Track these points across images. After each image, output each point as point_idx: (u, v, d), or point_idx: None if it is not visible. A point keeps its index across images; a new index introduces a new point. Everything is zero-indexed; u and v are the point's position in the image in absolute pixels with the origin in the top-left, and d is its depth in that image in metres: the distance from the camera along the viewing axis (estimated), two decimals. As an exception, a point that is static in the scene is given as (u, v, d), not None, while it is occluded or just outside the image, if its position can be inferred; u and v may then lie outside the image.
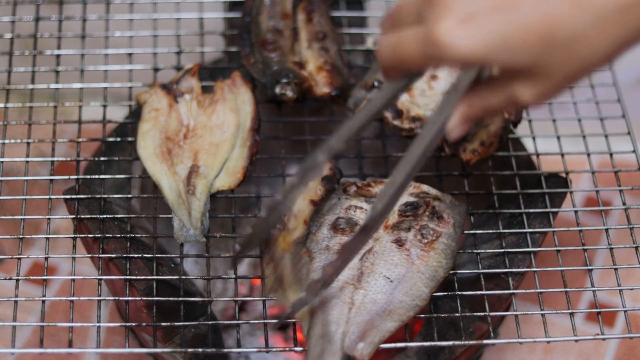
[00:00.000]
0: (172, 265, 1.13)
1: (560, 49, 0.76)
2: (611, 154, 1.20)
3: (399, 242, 1.03)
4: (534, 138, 1.21)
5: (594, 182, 1.18)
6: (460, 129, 0.87)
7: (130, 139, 1.19)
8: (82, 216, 1.10)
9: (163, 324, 1.02)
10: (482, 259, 1.11)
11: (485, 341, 1.06)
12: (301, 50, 1.23)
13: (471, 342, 1.07)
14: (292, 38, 1.24)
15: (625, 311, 1.05)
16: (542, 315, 1.04)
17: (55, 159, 1.15)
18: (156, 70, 1.26)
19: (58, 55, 1.25)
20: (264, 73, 1.19)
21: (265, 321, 1.02)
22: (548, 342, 1.02)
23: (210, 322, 1.04)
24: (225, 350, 1.02)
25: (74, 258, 1.07)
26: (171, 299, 1.05)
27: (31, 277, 1.07)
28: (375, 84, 1.20)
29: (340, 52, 1.24)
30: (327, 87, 1.19)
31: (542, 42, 0.76)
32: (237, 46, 1.26)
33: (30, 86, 1.22)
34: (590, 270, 1.09)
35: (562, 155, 1.20)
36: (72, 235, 1.09)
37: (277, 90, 1.17)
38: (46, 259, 1.06)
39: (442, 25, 0.76)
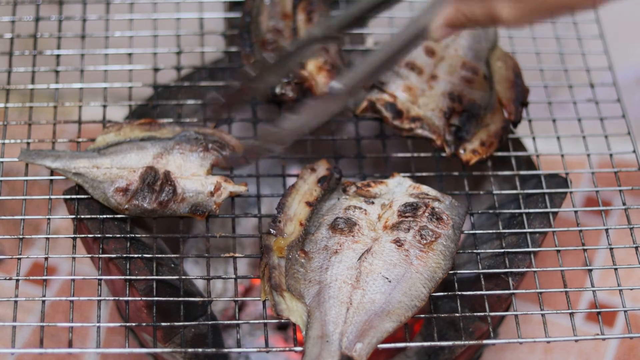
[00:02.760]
0: (172, 265, 1.13)
1: None
2: (611, 154, 1.20)
3: (398, 243, 1.03)
4: (534, 138, 1.21)
5: (594, 182, 1.18)
6: (443, 30, 0.94)
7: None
8: (82, 216, 1.10)
9: (163, 324, 1.02)
10: (482, 259, 1.11)
11: (485, 341, 1.06)
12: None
13: (471, 342, 1.07)
14: (292, 38, 1.24)
15: (625, 311, 1.05)
16: (542, 315, 1.04)
17: (55, 159, 1.15)
18: (156, 70, 1.26)
19: (58, 55, 1.25)
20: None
21: (265, 321, 1.03)
22: (548, 342, 1.02)
23: (210, 322, 1.04)
24: (225, 350, 1.02)
25: (74, 258, 1.07)
26: (171, 299, 1.05)
27: (31, 277, 1.07)
28: (376, 84, 1.20)
29: (340, 52, 1.24)
30: (327, 87, 1.19)
31: None
32: (237, 46, 1.26)
33: (30, 86, 1.22)
34: (590, 270, 1.09)
35: (562, 155, 1.20)
36: (72, 235, 1.09)
37: (278, 90, 1.17)
38: (46, 259, 1.06)
39: None
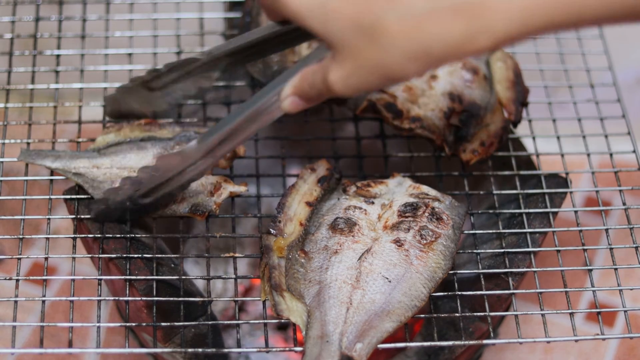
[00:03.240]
0: (172, 265, 1.13)
1: (363, 33, 0.78)
2: (611, 154, 1.20)
3: (398, 243, 1.03)
4: (534, 138, 1.21)
5: (594, 182, 1.18)
6: (291, 102, 0.88)
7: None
8: (82, 216, 1.10)
9: (163, 324, 1.02)
10: (482, 259, 1.11)
11: (485, 341, 1.05)
12: (302, 50, 1.23)
13: (471, 342, 1.07)
14: None
15: (625, 311, 1.05)
16: (542, 315, 1.04)
17: (55, 159, 1.15)
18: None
19: (58, 55, 1.25)
20: (264, 73, 1.19)
21: (265, 321, 1.03)
22: (548, 342, 1.02)
23: (210, 322, 1.04)
24: (225, 350, 1.02)
25: (74, 258, 1.07)
26: (171, 299, 1.05)
27: (31, 277, 1.07)
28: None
29: None
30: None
31: (350, 20, 0.78)
32: None
33: (30, 86, 1.22)
34: (590, 270, 1.09)
35: (562, 155, 1.20)
36: (72, 235, 1.09)
37: None
38: (46, 259, 1.06)
39: None
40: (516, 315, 1.05)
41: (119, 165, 1.09)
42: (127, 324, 1.02)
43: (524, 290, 1.09)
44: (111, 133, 1.13)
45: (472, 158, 1.15)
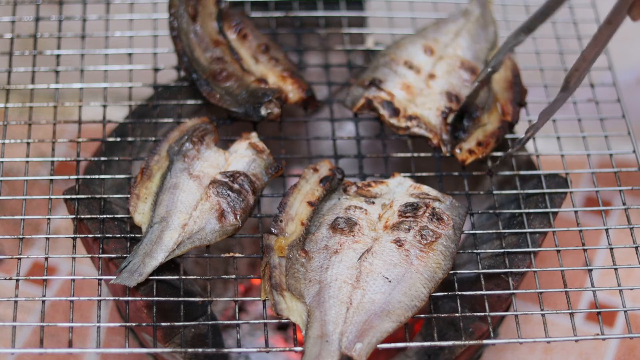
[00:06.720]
0: (172, 265, 1.13)
1: None
2: (611, 154, 1.20)
3: (399, 243, 1.03)
4: (534, 138, 1.21)
5: (594, 182, 1.18)
6: None
7: (130, 139, 1.19)
8: (82, 216, 1.10)
9: (163, 324, 1.02)
10: (482, 259, 1.11)
11: (485, 341, 1.06)
12: (250, 67, 1.22)
13: (471, 342, 1.07)
14: (237, 60, 1.22)
15: (625, 311, 1.05)
16: (542, 315, 1.04)
17: (55, 159, 1.15)
18: (156, 70, 1.26)
19: (58, 55, 1.25)
20: (237, 102, 1.17)
21: (265, 321, 1.03)
22: (548, 342, 1.02)
23: (210, 322, 1.04)
24: (225, 350, 1.02)
25: (74, 258, 1.07)
26: (171, 299, 1.05)
27: (31, 277, 1.07)
28: (375, 82, 1.20)
29: (286, 56, 1.24)
30: (301, 92, 1.19)
31: None
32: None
33: (30, 86, 1.22)
34: (590, 270, 1.09)
35: (562, 155, 1.20)
36: (72, 235, 1.09)
37: (264, 112, 1.16)
38: (46, 259, 1.06)
39: None
40: (516, 315, 1.05)
41: (182, 209, 1.07)
42: (127, 324, 1.02)
43: (524, 290, 1.09)
44: (143, 187, 1.11)
45: (468, 158, 1.15)
